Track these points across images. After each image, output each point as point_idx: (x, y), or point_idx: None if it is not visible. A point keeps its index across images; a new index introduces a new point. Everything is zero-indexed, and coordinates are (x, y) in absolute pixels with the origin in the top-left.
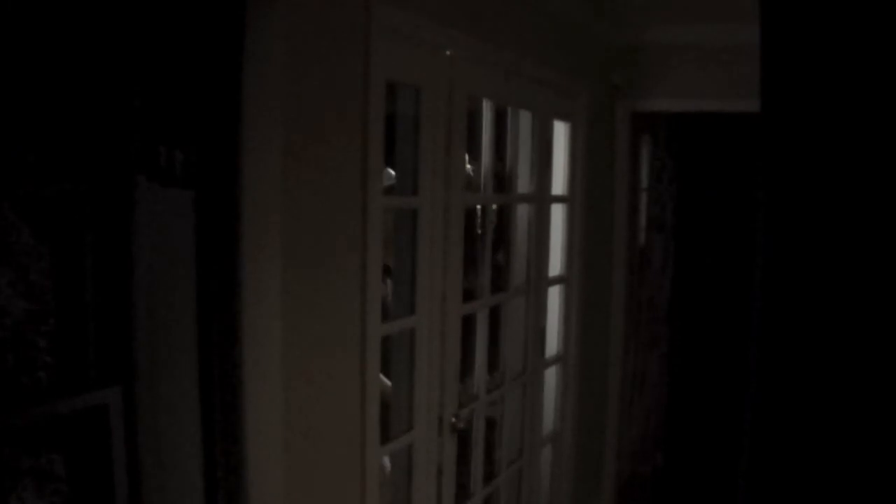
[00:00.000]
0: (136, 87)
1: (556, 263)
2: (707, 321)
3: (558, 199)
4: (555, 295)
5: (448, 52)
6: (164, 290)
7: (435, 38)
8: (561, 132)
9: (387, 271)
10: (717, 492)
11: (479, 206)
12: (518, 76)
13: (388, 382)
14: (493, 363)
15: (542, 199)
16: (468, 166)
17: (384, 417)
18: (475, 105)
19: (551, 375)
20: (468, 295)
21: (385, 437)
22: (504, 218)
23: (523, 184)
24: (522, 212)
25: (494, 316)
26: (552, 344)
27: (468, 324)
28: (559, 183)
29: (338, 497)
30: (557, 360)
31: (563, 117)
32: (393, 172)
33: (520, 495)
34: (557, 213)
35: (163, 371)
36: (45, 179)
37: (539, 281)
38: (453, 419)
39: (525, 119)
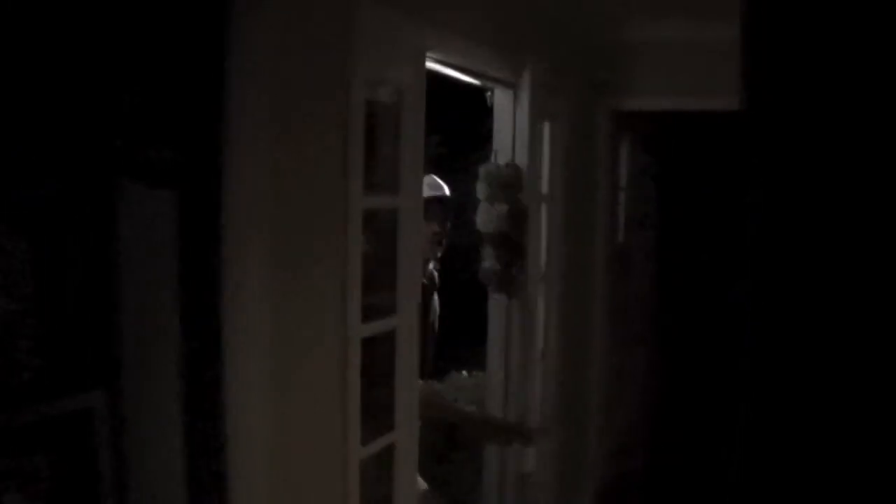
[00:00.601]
0: (119, 87)
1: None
2: (696, 317)
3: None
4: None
5: (431, 53)
6: (148, 292)
7: (418, 37)
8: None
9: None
10: (704, 490)
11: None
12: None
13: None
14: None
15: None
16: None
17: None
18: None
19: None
20: None
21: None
22: None
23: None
24: None
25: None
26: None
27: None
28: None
29: (321, 498)
30: (538, 357)
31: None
32: (441, 183)
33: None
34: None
35: (147, 373)
36: (27, 181)
37: None
38: None
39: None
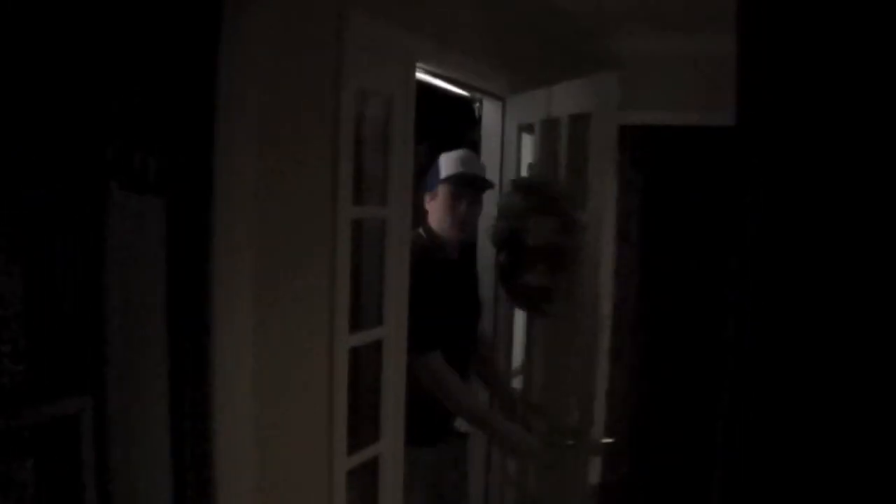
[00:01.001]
0: (109, 93)
1: None
2: (680, 331)
3: None
4: None
5: (420, 63)
6: (136, 298)
7: (406, 47)
8: (527, 143)
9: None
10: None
11: None
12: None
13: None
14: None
15: None
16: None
17: None
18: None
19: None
20: None
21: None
22: None
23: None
24: None
25: None
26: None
27: None
28: None
29: None
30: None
31: (528, 129)
32: (476, 159)
33: None
34: None
35: (134, 379)
36: (15, 186)
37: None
38: None
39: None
